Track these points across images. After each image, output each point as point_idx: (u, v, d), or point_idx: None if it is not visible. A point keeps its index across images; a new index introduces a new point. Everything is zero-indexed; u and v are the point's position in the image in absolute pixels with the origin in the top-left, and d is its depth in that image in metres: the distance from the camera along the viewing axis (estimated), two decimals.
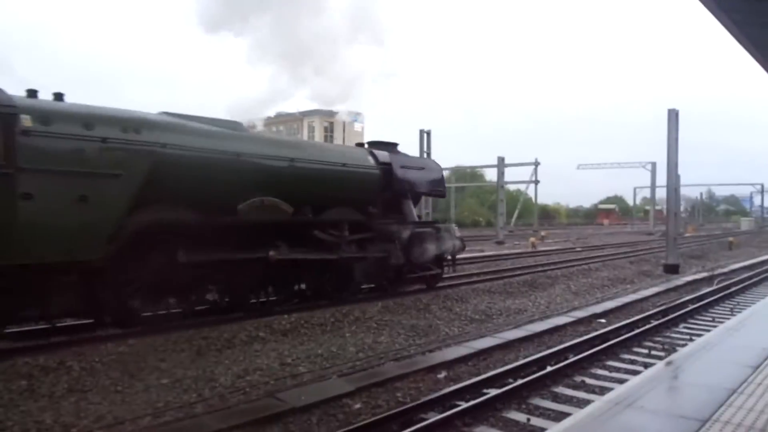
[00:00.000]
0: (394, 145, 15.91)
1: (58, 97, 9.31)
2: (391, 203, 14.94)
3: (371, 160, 14.33)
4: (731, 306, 15.24)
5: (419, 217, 16.25)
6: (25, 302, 8.61)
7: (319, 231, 12.84)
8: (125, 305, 9.82)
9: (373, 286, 14.95)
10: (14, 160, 7.98)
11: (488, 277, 18.43)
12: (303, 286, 13.23)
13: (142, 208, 9.59)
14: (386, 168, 14.49)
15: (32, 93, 8.95)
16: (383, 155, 14.74)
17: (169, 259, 10.10)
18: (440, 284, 16.40)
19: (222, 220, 10.78)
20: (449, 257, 16.42)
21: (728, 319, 12.22)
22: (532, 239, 36.36)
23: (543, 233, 47.74)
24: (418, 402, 7.35)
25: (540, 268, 21.64)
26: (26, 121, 8.21)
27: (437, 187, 16.94)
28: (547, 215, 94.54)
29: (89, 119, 9.07)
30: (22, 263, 8.19)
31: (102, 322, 10.05)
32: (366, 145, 15.79)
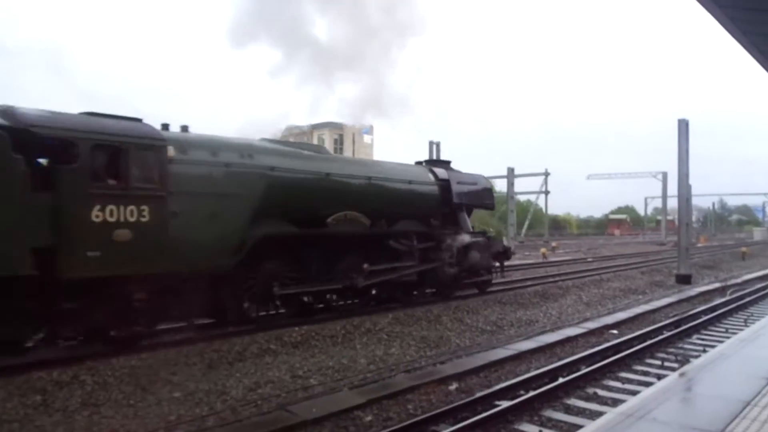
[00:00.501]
0: (448, 162, 17.73)
1: (184, 128, 11.14)
2: (449, 215, 16.40)
3: (431, 177, 16.04)
4: (745, 317, 15.10)
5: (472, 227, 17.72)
6: (173, 304, 10.01)
7: (393, 241, 14.39)
8: (241, 307, 11.36)
9: (434, 290, 16.27)
10: (165, 185, 9.60)
11: (499, 288, 18.37)
12: (374, 291, 14.60)
13: (256, 223, 11.21)
14: (444, 184, 16.11)
15: (165, 126, 10.60)
16: (441, 172, 16.39)
17: (275, 267, 11.85)
18: (490, 289, 17.68)
19: (316, 231, 12.55)
20: (498, 264, 17.92)
21: (742, 330, 12.13)
22: (543, 250, 36.26)
23: (554, 244, 47.57)
24: (430, 414, 7.34)
25: (551, 279, 21.56)
26: (170, 151, 9.80)
27: (487, 201, 18.50)
28: (558, 226, 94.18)
29: (214, 147, 10.84)
30: (171, 270, 9.63)
31: (223, 322, 11.46)
32: (423, 164, 17.45)
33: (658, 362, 10.47)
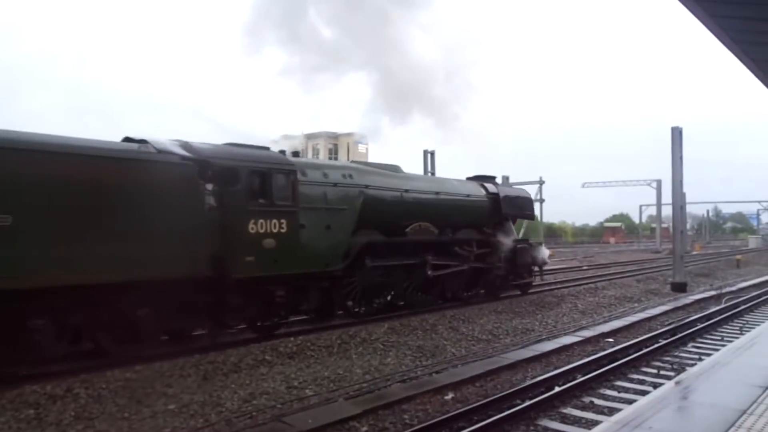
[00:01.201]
0: (493, 177, 19.75)
1: (296, 154, 13.31)
2: (498, 224, 18.64)
3: (483, 191, 18.30)
4: (740, 325, 15.13)
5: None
6: (301, 299, 12.37)
7: (457, 247, 16.72)
8: (345, 304, 13.58)
9: (484, 291, 18.27)
10: (297, 202, 11.84)
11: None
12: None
13: (357, 233, 13.50)
14: (495, 197, 18.43)
15: (296, 154, 13.22)
16: (491, 187, 18.72)
17: (371, 269, 13.89)
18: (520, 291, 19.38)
19: (400, 239, 14.92)
20: (537, 268, 20.15)
21: (737, 338, 12.16)
22: None
23: (549, 252, 47.46)
24: (425, 424, 7.32)
25: (547, 287, 21.56)
26: (289, 174, 11.84)
27: (528, 211, 20.62)
28: (553, 234, 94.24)
29: (324, 169, 13.28)
30: (301, 272, 11.89)
31: (331, 315, 13.51)
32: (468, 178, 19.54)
33: (654, 370, 10.48)
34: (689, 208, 46.68)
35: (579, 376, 9.73)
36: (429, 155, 30.07)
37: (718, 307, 17.73)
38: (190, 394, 8.25)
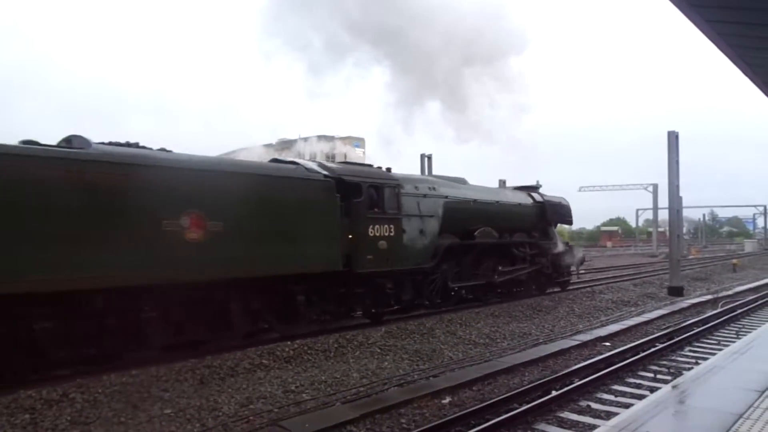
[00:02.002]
0: (538, 187, 22.14)
1: (388, 169, 15.31)
2: (544, 229, 21.09)
3: (531, 200, 20.80)
4: (737, 329, 15.14)
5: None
6: (402, 291, 14.83)
7: (515, 249, 19.21)
8: (430, 295, 15.84)
9: (535, 287, 20.67)
10: (400, 210, 14.57)
11: (492, 300, 18.37)
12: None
13: (441, 236, 16.00)
14: (541, 205, 20.98)
15: (388, 170, 15.22)
16: (537, 196, 21.21)
17: (448, 267, 16.33)
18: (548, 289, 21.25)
19: (471, 242, 17.31)
20: (574, 268, 22.82)
21: (734, 342, 12.16)
22: None
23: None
24: (423, 428, 7.31)
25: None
26: (395, 188, 14.56)
27: (567, 218, 23.04)
28: None
29: (414, 182, 15.81)
30: (403, 269, 14.55)
31: (421, 305, 15.81)
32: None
33: (651, 375, 10.48)
34: (686, 212, 46.74)
35: (576, 380, 9.73)
36: (426, 159, 30.17)
37: (714, 311, 17.75)
38: (187, 399, 8.23)
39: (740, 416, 6.11)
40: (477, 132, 22.29)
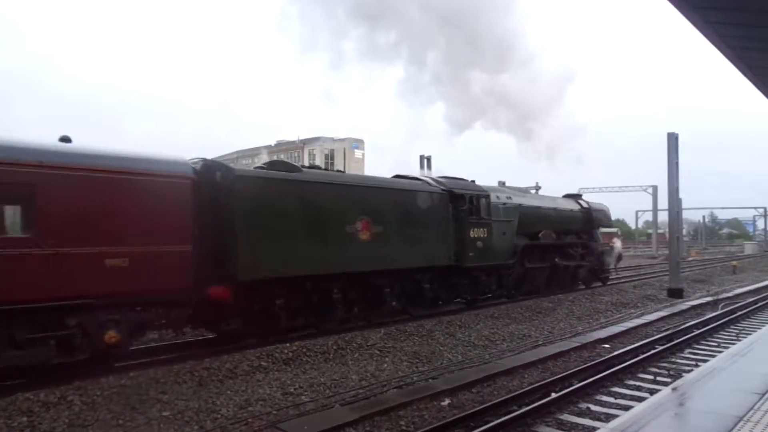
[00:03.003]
0: (580, 195, 25.73)
1: (473, 181, 18.69)
2: (589, 232, 24.28)
3: (578, 206, 24.09)
4: (737, 331, 15.13)
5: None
6: (488, 282, 18.06)
7: (570, 249, 22.34)
8: (509, 285, 19.10)
9: (581, 281, 23.88)
10: (490, 216, 17.78)
11: (491, 302, 18.39)
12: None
13: (518, 238, 19.33)
14: (587, 210, 24.29)
15: (472, 182, 18.70)
16: (583, 203, 24.66)
17: (524, 263, 19.68)
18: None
19: (538, 242, 20.45)
20: (613, 265, 26.04)
21: (734, 344, 12.15)
22: None
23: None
24: (422, 431, 7.30)
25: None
26: (486, 198, 17.81)
27: (608, 222, 26.88)
28: None
29: (496, 192, 18.91)
30: (491, 264, 17.83)
31: (502, 294, 19.10)
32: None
33: (651, 377, 10.46)
34: (685, 214, 46.69)
35: (576, 382, 9.72)
36: (425, 160, 30.17)
37: (714, 313, 17.72)
38: (185, 401, 8.20)
39: (740, 419, 6.09)
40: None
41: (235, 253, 11.10)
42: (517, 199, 19.75)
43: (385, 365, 10.56)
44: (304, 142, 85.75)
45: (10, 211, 8.82)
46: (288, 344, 11.20)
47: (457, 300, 17.91)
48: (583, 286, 23.46)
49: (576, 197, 24.83)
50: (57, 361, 9.05)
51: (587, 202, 24.78)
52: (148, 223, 9.94)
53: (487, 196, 17.87)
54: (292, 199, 12.24)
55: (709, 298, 21.39)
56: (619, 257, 26.48)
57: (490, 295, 18.59)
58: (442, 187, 16.59)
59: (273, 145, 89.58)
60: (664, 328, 15.32)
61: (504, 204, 18.74)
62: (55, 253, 8.82)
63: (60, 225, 8.96)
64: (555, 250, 21.42)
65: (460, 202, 16.75)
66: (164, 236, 10.15)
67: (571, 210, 23.37)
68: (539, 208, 21.07)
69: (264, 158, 18.00)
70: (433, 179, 17.11)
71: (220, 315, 11.37)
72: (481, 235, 17.41)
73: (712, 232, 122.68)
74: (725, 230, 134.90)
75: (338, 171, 15.96)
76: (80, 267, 9.09)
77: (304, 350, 10.95)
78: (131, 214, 9.71)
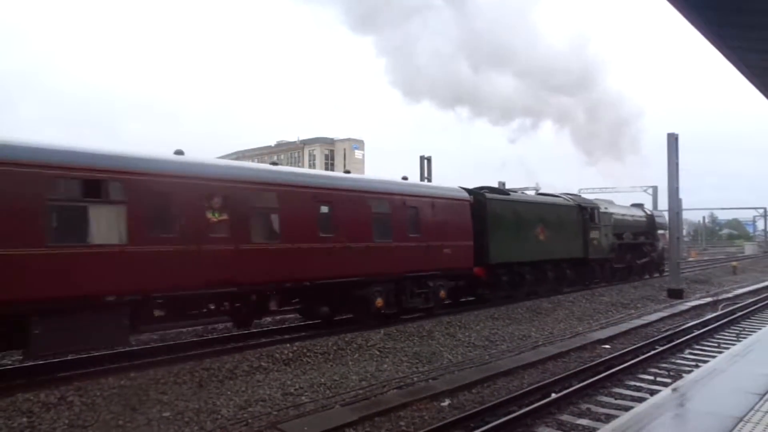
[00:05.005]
0: (642, 204, 32.71)
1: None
2: (652, 233, 31.24)
3: (644, 213, 31.23)
4: (737, 332, 15.12)
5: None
6: (602, 271, 25.44)
7: (643, 247, 29.51)
8: (608, 274, 25.71)
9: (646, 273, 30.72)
10: (599, 222, 24.85)
11: (600, 285, 18.81)
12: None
13: (615, 239, 26.25)
14: (650, 216, 31.56)
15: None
16: (647, 210, 32.28)
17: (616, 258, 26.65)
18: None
19: (625, 241, 27.24)
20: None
21: (734, 344, 12.14)
22: None
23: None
24: (422, 431, 7.29)
25: (543, 293, 21.55)
26: (597, 209, 25.11)
27: (664, 225, 30.91)
28: None
29: (603, 203, 26.52)
30: (603, 257, 25.07)
31: (601, 280, 25.34)
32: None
33: (651, 377, 10.46)
34: (685, 214, 46.69)
35: (576, 382, 9.71)
36: (426, 161, 30.24)
37: (714, 314, 17.72)
38: (185, 401, 8.20)
39: (740, 419, 6.09)
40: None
41: (487, 246, 17.90)
42: (610, 209, 26.58)
43: (386, 366, 10.56)
44: (304, 143, 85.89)
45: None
46: (288, 345, 11.20)
47: (586, 283, 24.20)
48: (648, 276, 29.96)
49: (640, 206, 32.27)
50: (424, 306, 15.92)
51: (650, 210, 32.96)
52: (457, 228, 16.99)
53: (598, 208, 24.69)
54: (510, 213, 19.36)
55: (709, 299, 21.40)
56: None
57: (597, 280, 24.94)
58: (574, 202, 23.84)
59: (273, 145, 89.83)
60: (664, 329, 15.32)
61: (604, 213, 25.19)
62: (428, 245, 15.86)
63: (427, 230, 15.90)
64: (634, 247, 28.45)
65: (584, 212, 23.53)
66: (463, 236, 17.19)
67: (641, 216, 30.42)
68: (623, 215, 28.03)
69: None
70: (569, 195, 24.60)
71: (478, 285, 18.26)
72: (596, 236, 24.04)
73: (712, 232, 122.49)
74: (725, 231, 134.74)
75: (535, 191, 26.32)
76: (436, 253, 16.02)
77: (305, 351, 10.94)
78: (450, 223, 16.75)
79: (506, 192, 20.78)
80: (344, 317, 15.01)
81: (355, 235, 13.75)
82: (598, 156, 35.72)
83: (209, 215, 10.90)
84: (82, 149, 9.54)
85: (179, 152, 11.26)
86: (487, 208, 18.05)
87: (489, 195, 18.78)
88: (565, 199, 23.54)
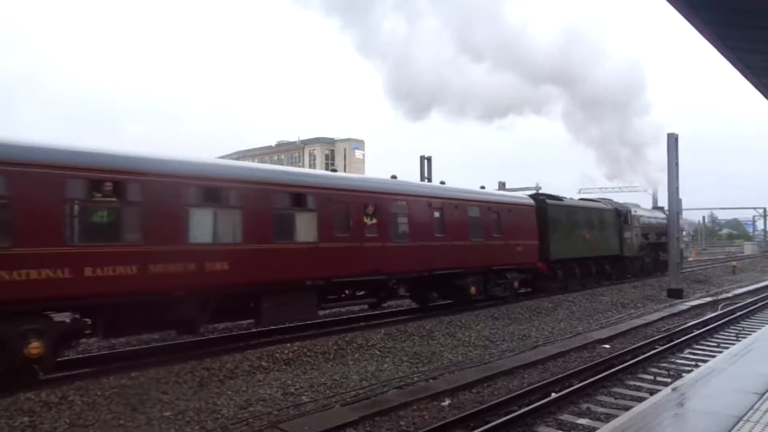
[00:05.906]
0: (662, 208, 34.56)
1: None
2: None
3: (665, 215, 30.29)
4: (736, 331, 15.13)
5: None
6: (633, 267, 29.82)
7: (666, 246, 28.70)
8: (637, 270, 29.88)
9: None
10: (631, 224, 29.03)
11: (491, 302, 18.40)
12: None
13: (644, 238, 30.69)
14: (663, 218, 32.96)
15: (609, 200, 30.96)
16: (665, 212, 32.36)
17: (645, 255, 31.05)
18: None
19: (650, 241, 31.33)
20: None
21: (733, 344, 12.15)
22: None
23: None
24: (422, 431, 7.30)
25: (543, 293, 21.57)
26: (630, 212, 29.59)
27: (683, 228, 34.31)
28: None
29: (631, 206, 30.24)
30: (634, 255, 29.00)
31: (631, 275, 28.92)
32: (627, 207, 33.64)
33: (651, 377, 10.47)
34: (685, 214, 46.78)
35: (576, 382, 9.72)
36: (426, 161, 30.29)
37: (714, 314, 17.73)
38: (186, 401, 8.22)
39: (740, 419, 6.11)
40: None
41: (548, 245, 21.04)
42: (637, 212, 29.96)
43: (386, 365, 10.57)
44: (304, 143, 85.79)
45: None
46: (288, 344, 11.22)
47: (622, 276, 27.54)
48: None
49: (660, 209, 34.83)
50: (502, 294, 18.76)
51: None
52: (526, 229, 20.03)
53: (630, 211, 28.42)
54: (564, 216, 22.62)
55: (708, 299, 21.41)
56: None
57: (629, 275, 28.12)
58: (612, 206, 27.75)
59: (274, 145, 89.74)
60: (664, 329, 15.34)
61: (633, 216, 28.55)
62: (506, 243, 18.74)
63: (507, 230, 18.79)
64: (657, 246, 31.58)
65: (620, 215, 27.19)
66: (530, 235, 20.20)
67: (663, 218, 32.12)
68: (649, 218, 31.84)
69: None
70: (607, 201, 29.12)
71: (538, 278, 21.25)
72: (629, 236, 27.70)
73: (711, 232, 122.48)
74: (725, 231, 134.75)
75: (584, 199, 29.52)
76: (512, 250, 19.02)
77: (305, 350, 10.96)
78: (521, 225, 19.82)
79: (560, 198, 23.56)
80: (438, 303, 17.98)
81: (458, 235, 16.76)
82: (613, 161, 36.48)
83: (365, 219, 13.95)
84: (323, 175, 15.40)
85: (394, 176, 16.13)
86: (548, 212, 21.44)
87: (549, 201, 22.08)
88: (604, 203, 27.94)
